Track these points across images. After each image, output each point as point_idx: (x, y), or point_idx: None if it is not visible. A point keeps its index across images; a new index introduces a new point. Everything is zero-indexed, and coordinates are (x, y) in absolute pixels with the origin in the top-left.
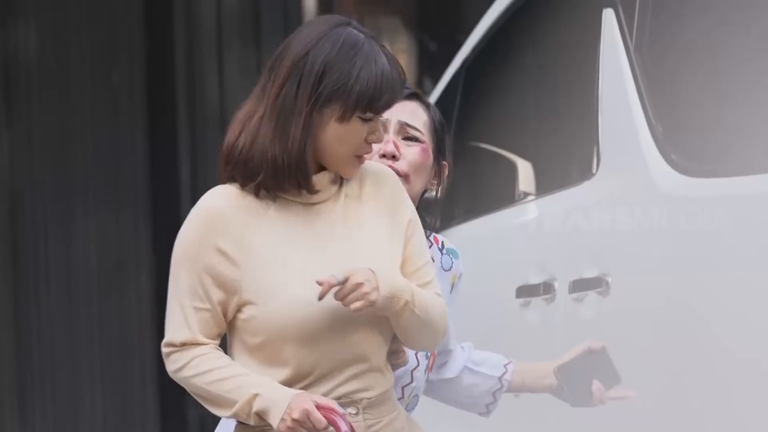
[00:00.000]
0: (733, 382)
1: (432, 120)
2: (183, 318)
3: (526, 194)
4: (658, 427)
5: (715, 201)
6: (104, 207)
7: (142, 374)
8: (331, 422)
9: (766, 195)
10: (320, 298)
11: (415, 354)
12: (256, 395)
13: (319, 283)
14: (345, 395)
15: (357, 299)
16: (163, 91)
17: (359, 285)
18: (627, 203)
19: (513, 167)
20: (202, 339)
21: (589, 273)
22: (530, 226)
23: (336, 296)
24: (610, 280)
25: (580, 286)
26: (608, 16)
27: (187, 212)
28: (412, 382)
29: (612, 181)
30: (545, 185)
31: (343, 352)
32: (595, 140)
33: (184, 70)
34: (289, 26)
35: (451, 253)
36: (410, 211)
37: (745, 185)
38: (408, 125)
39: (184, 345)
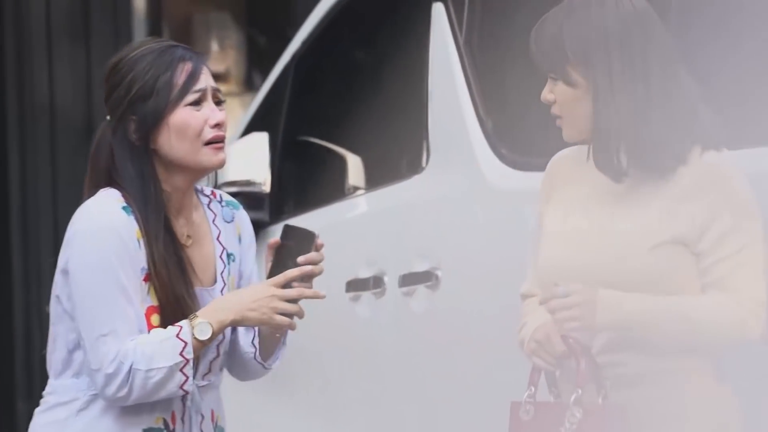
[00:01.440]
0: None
1: None
2: None
3: (356, 188)
4: (482, 413)
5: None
6: None
7: None
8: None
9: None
10: None
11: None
12: None
13: None
14: None
15: None
16: None
17: None
18: (457, 197)
19: (343, 162)
20: None
21: (419, 267)
22: (360, 221)
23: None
24: (439, 273)
25: (409, 280)
26: (438, 10)
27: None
28: (218, 356)
29: (442, 176)
30: (375, 180)
31: None
32: (425, 135)
33: (13, 68)
34: (119, 24)
35: (231, 204)
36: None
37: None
38: (217, 90)
39: None
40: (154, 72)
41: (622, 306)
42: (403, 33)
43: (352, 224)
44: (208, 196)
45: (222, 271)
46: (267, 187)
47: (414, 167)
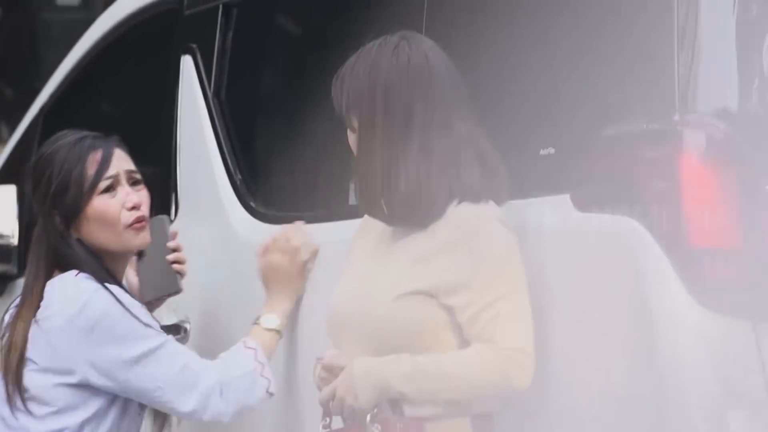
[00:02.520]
0: None
1: (129, 156)
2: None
3: None
4: None
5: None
6: None
7: None
8: None
9: (340, 242)
10: None
11: None
12: None
13: None
14: None
15: None
16: None
17: None
18: (206, 249)
19: None
20: None
21: (168, 320)
22: None
23: None
24: (188, 326)
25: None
26: (187, 62)
27: None
28: None
29: (190, 227)
30: None
31: None
32: (173, 187)
33: None
34: None
35: None
36: None
37: (324, 232)
38: (131, 172)
39: None
40: (67, 166)
41: (380, 372)
42: (152, 85)
43: None
44: None
45: None
46: (15, 240)
47: None
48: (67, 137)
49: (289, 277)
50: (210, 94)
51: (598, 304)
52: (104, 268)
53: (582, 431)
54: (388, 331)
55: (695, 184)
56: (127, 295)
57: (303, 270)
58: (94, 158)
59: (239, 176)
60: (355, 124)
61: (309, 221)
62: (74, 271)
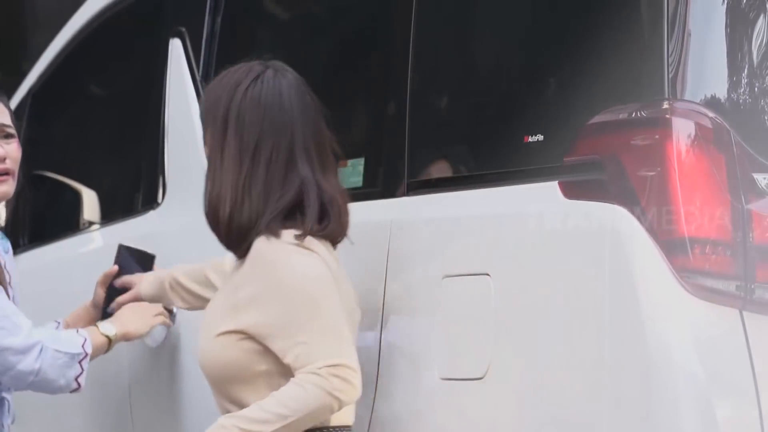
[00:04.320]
0: None
1: (8, 109)
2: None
3: (91, 223)
4: None
5: None
6: None
7: None
8: None
9: None
10: None
11: None
12: None
13: None
14: None
15: None
16: None
17: None
18: (197, 230)
19: (78, 196)
20: None
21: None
22: (94, 255)
23: None
24: (175, 309)
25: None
26: (175, 45)
27: None
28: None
29: (179, 211)
30: (110, 215)
31: None
32: (161, 170)
33: None
34: None
35: (5, 238)
36: None
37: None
38: (4, 125)
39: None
40: None
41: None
42: (140, 68)
43: (86, 258)
44: None
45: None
46: (2, 221)
47: (149, 202)
48: None
49: (143, 316)
50: (198, 78)
51: (586, 292)
52: None
53: (570, 418)
54: (216, 364)
55: (684, 172)
56: None
57: (152, 322)
58: None
59: None
60: (207, 139)
61: None
62: None
